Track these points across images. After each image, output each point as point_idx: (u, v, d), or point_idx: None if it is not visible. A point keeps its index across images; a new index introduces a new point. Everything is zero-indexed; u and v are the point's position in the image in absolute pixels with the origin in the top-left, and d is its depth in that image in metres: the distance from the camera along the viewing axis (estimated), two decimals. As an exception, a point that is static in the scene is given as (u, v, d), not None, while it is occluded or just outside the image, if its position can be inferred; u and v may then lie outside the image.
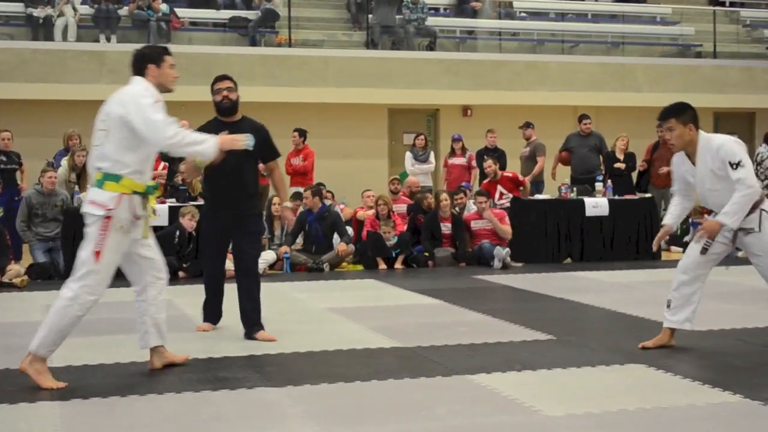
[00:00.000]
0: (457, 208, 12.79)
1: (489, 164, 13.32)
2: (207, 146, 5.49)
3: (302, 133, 14.54)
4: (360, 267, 11.97)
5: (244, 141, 5.76)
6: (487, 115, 18.13)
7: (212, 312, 7.33)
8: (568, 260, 12.63)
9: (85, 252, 5.37)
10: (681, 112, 6.13)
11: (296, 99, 17.19)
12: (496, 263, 11.76)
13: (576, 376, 5.60)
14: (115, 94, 5.49)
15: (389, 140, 18.45)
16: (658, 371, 5.66)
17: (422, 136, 15.56)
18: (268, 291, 9.67)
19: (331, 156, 16.81)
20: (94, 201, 5.38)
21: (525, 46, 19.71)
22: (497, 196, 13.16)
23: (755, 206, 6.03)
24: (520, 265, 12.13)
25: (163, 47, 5.73)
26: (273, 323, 7.19)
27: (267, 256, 11.33)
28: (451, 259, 12.21)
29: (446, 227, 12.36)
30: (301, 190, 12.96)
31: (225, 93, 6.98)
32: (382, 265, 11.87)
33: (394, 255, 12.01)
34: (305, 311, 8.36)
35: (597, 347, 6.46)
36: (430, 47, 18.70)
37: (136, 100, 5.37)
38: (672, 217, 6.46)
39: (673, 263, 12.72)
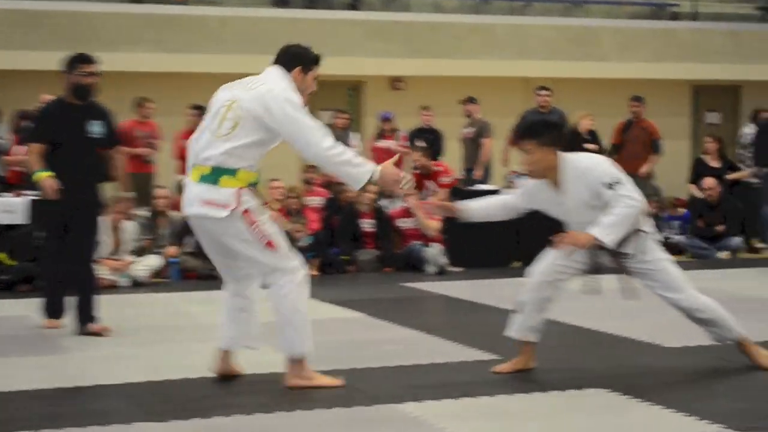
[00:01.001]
0: (384, 201, 12.82)
1: (417, 157, 13.26)
2: (363, 172, 5.80)
3: (203, 111, 14.46)
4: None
5: (405, 183, 6.14)
6: (422, 89, 18.20)
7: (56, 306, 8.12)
8: (517, 264, 12.72)
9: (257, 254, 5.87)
10: (540, 132, 6.15)
11: (188, 68, 17.07)
12: (430, 268, 11.81)
13: (524, 404, 5.63)
14: (248, 83, 5.92)
15: (303, 119, 18.40)
16: (622, 396, 5.72)
17: (344, 114, 15.56)
18: (152, 302, 9.63)
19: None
20: (211, 201, 5.77)
21: (467, 5, 19.82)
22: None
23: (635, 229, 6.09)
24: (458, 270, 12.20)
25: (317, 55, 6.12)
26: (156, 343, 7.14)
27: (151, 261, 11.24)
28: (375, 263, 12.24)
29: (368, 224, 12.36)
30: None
31: (92, 78, 7.90)
32: (293, 271, 11.83)
33: (306, 258, 11.98)
34: (197, 327, 8.31)
35: (549, 368, 6.52)
36: (353, 6, 18.72)
37: (281, 101, 5.75)
38: (477, 206, 6.58)
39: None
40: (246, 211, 5.77)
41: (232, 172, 5.76)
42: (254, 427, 5.19)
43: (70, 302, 8.01)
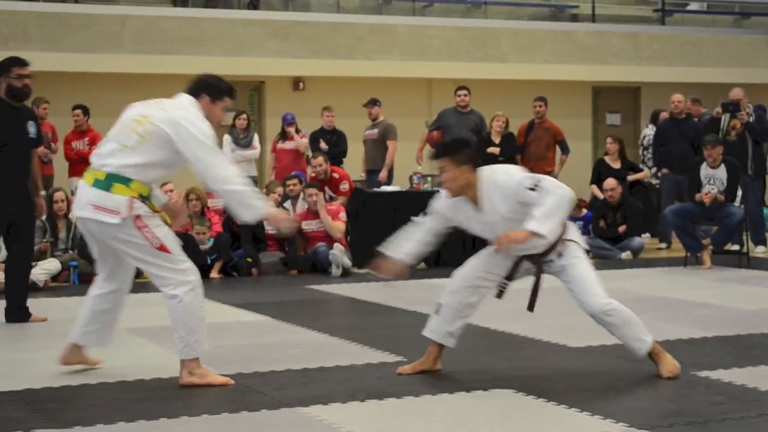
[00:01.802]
0: (288, 203, 12.81)
1: (319, 161, 13.25)
2: (254, 213, 6.02)
3: (86, 111, 14.35)
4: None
5: (290, 226, 6.79)
6: (324, 89, 18.21)
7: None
8: (422, 265, 12.79)
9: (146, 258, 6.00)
10: (456, 151, 6.17)
11: (83, 68, 16.90)
12: (335, 270, 11.83)
13: (431, 405, 5.68)
14: (162, 104, 6.10)
15: (203, 120, 18.29)
16: (528, 397, 5.79)
17: (244, 115, 15.51)
18: (51, 307, 9.50)
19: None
20: (102, 207, 5.92)
21: (368, 5, 19.90)
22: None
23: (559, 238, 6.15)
24: (363, 271, 12.23)
25: (230, 87, 6.35)
26: (56, 348, 7.04)
27: (49, 266, 11.09)
28: (279, 266, 12.22)
29: (271, 226, 12.33)
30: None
31: (27, 81, 8.37)
32: (195, 275, 11.77)
33: (209, 261, 11.93)
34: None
35: (456, 370, 6.57)
36: (253, 5, 18.67)
37: (192, 127, 5.92)
38: (410, 251, 6.53)
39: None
40: (137, 216, 5.91)
41: (126, 181, 5.92)
42: (159, 432, 5.17)
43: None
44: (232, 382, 6.14)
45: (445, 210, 6.39)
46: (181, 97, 6.17)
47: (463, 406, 5.64)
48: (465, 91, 14.74)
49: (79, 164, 14.06)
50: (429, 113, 18.26)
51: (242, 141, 15.19)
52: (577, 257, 6.28)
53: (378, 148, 14.89)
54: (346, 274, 11.83)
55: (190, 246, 11.77)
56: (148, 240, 5.93)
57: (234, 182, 5.91)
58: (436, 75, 18.92)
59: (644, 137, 16.51)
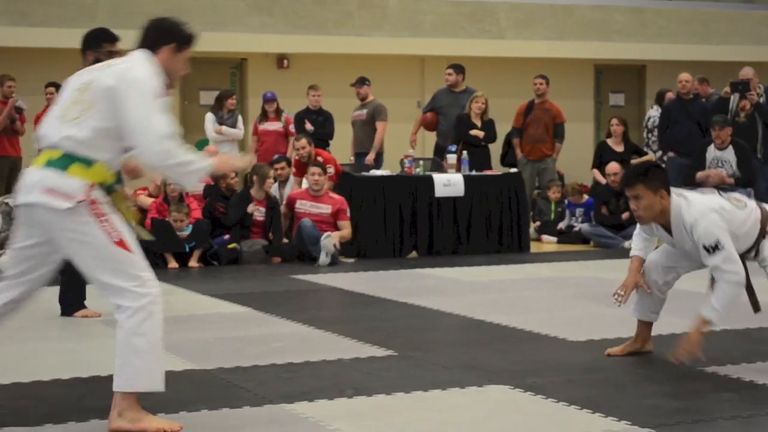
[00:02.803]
0: (275, 186, 12.84)
1: (302, 144, 13.24)
2: (196, 170, 5.28)
3: (59, 88, 14.29)
4: (143, 266, 11.83)
5: (243, 160, 5.90)
6: (309, 67, 18.19)
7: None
8: (414, 254, 12.81)
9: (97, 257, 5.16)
10: (650, 175, 6.25)
11: (54, 43, 16.83)
12: (323, 258, 11.82)
13: (422, 402, 5.68)
14: (108, 64, 5.42)
15: (181, 99, 18.28)
16: (525, 393, 5.80)
17: (234, 97, 15.50)
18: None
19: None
20: (53, 189, 5.13)
21: (357, -23, 19.85)
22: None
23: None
24: (351, 260, 12.24)
25: (191, 33, 5.58)
26: (25, 341, 7.06)
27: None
28: (263, 254, 12.22)
29: (259, 212, 12.33)
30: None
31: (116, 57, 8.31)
32: (173, 263, 11.78)
33: (188, 249, 11.92)
34: (69, 324, 8.23)
35: (448, 364, 6.58)
36: (235, -23, 18.62)
37: (132, 82, 5.22)
38: (639, 248, 6.63)
39: (544, 255, 13.15)
40: (93, 201, 5.14)
41: (87, 162, 5.19)
42: (134, 430, 5.17)
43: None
44: (178, 427, 5.21)
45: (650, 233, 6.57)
46: (133, 53, 5.41)
47: (456, 403, 5.65)
48: (450, 70, 14.77)
49: (49, 146, 14.06)
50: (422, 93, 18.27)
51: (227, 121, 15.14)
52: None
53: (367, 129, 14.88)
54: (333, 263, 11.83)
55: (167, 233, 11.79)
56: (106, 232, 5.12)
57: (166, 150, 5.16)
58: (429, 52, 18.90)
59: (649, 119, 16.53)
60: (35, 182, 5.19)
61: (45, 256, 5.30)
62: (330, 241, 11.84)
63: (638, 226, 6.60)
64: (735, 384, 6.01)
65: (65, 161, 5.17)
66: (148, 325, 5.12)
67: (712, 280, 6.43)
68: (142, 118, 5.16)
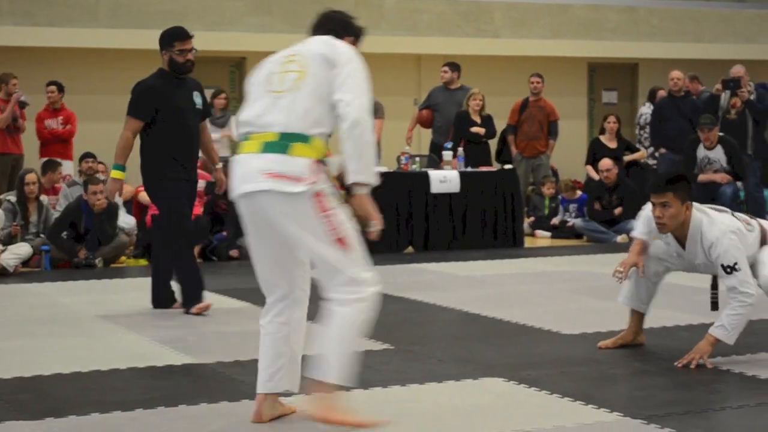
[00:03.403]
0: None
1: None
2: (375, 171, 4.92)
3: (61, 88, 14.29)
4: (143, 262, 11.84)
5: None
6: (308, 66, 18.14)
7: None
8: (410, 249, 12.81)
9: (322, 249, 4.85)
10: (680, 185, 6.25)
11: (56, 43, 16.83)
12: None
13: (419, 395, 5.70)
14: (302, 43, 5.10)
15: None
16: (519, 386, 5.81)
17: (223, 95, 15.46)
18: (22, 293, 9.50)
19: (102, 118, 16.51)
20: (281, 174, 4.79)
21: (355, -23, 19.83)
22: None
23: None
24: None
25: (363, 29, 5.41)
26: (27, 336, 7.05)
27: (19, 250, 11.07)
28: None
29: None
30: (60, 161, 12.87)
31: (190, 56, 8.45)
32: (173, 259, 11.77)
33: (187, 245, 11.91)
34: (70, 319, 8.22)
35: (445, 358, 6.59)
36: (234, -23, 18.60)
37: (351, 58, 4.98)
38: (643, 233, 6.60)
39: (538, 250, 13.14)
40: (318, 193, 4.79)
41: (305, 138, 4.82)
42: (136, 423, 5.17)
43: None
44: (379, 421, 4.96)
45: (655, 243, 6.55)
46: (319, 38, 5.13)
47: (452, 396, 5.65)
48: (446, 68, 14.77)
49: (52, 144, 14.03)
50: (418, 91, 18.26)
51: (218, 121, 15.09)
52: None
53: (363, 127, 14.84)
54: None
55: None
56: (327, 228, 4.80)
57: (372, 131, 4.87)
58: (425, 51, 18.88)
59: (641, 116, 16.54)
60: (255, 169, 4.84)
61: (281, 248, 5.07)
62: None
63: (644, 214, 6.58)
64: (725, 376, 6.02)
65: (284, 141, 4.83)
66: (363, 323, 4.88)
67: (714, 282, 6.57)
68: (357, 88, 4.90)
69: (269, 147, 4.84)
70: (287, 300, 5.20)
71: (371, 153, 4.82)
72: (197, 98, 8.53)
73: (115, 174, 8.26)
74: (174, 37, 8.51)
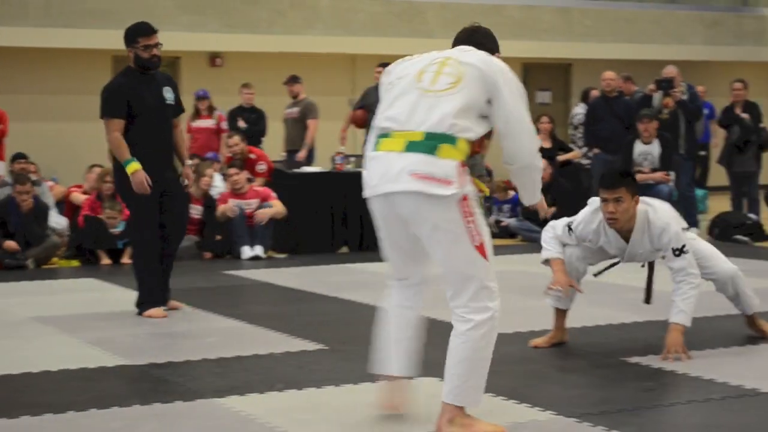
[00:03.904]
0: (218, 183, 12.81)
1: (235, 141, 13.27)
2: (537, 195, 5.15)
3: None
4: (75, 263, 11.76)
5: None
6: (242, 66, 18.14)
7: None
8: (345, 249, 12.81)
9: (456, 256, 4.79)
10: (632, 180, 6.39)
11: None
12: (250, 250, 11.85)
13: (352, 395, 5.71)
14: (461, 50, 5.00)
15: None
16: (453, 385, 5.82)
17: None
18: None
19: (38, 117, 16.38)
20: (429, 175, 4.68)
21: (289, -23, 19.81)
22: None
23: None
24: (283, 256, 12.22)
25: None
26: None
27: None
28: (194, 250, 12.15)
29: (196, 210, 12.21)
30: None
31: (155, 51, 8.35)
32: (105, 260, 11.69)
33: (120, 246, 11.84)
34: (1, 321, 8.14)
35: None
36: (167, -24, 18.51)
37: (511, 80, 4.86)
38: (558, 252, 6.66)
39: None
40: (465, 197, 4.70)
41: (451, 140, 4.69)
42: (68, 426, 5.13)
43: None
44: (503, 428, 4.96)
45: (585, 236, 6.58)
46: (469, 49, 5.01)
47: (386, 396, 5.65)
48: (381, 68, 14.76)
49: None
50: (353, 91, 18.27)
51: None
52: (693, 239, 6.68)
53: (299, 127, 14.86)
54: (257, 258, 11.84)
55: (100, 230, 11.71)
56: (469, 234, 4.75)
57: (539, 155, 4.93)
58: (360, 51, 18.90)
59: (575, 116, 16.65)
60: (400, 168, 4.72)
61: (413, 249, 5.08)
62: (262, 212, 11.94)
63: (551, 230, 6.68)
64: (656, 374, 6.08)
65: (431, 141, 4.71)
66: (487, 340, 4.86)
67: (650, 269, 6.70)
68: (522, 123, 4.82)
69: (414, 146, 4.71)
70: (417, 287, 5.32)
71: (539, 184, 5.03)
72: (168, 93, 8.41)
73: (131, 167, 7.97)
74: (138, 33, 8.40)
